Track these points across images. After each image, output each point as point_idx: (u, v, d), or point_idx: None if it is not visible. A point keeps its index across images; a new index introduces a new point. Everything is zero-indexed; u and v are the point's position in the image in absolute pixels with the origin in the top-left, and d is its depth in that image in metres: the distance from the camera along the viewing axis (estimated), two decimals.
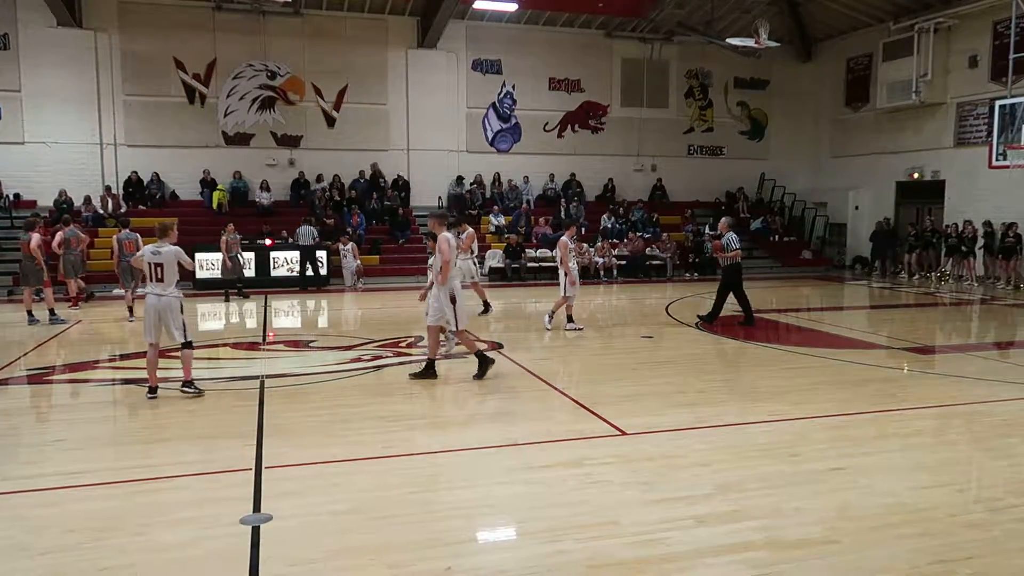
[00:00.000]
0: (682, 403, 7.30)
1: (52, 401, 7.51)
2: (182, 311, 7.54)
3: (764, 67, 25.00)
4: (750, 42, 19.98)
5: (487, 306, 13.35)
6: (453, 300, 8.07)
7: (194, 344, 7.76)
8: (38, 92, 19.54)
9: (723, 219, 12.59)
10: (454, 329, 8.33)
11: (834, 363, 9.26)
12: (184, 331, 7.50)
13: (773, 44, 20.37)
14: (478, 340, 9.34)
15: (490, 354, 8.65)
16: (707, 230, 22.61)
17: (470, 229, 13.20)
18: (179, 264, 7.51)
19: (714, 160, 25.43)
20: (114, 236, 13.85)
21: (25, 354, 9.90)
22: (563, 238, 11.58)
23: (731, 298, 12.01)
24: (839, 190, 24.58)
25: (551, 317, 11.83)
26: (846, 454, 5.71)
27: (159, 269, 7.40)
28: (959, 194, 20.51)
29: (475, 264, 13.27)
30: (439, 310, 8.12)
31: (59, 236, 14.25)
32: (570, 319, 11.66)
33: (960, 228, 19.37)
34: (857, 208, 24.04)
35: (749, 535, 4.26)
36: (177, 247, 7.57)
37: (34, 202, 19.34)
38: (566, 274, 11.34)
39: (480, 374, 8.27)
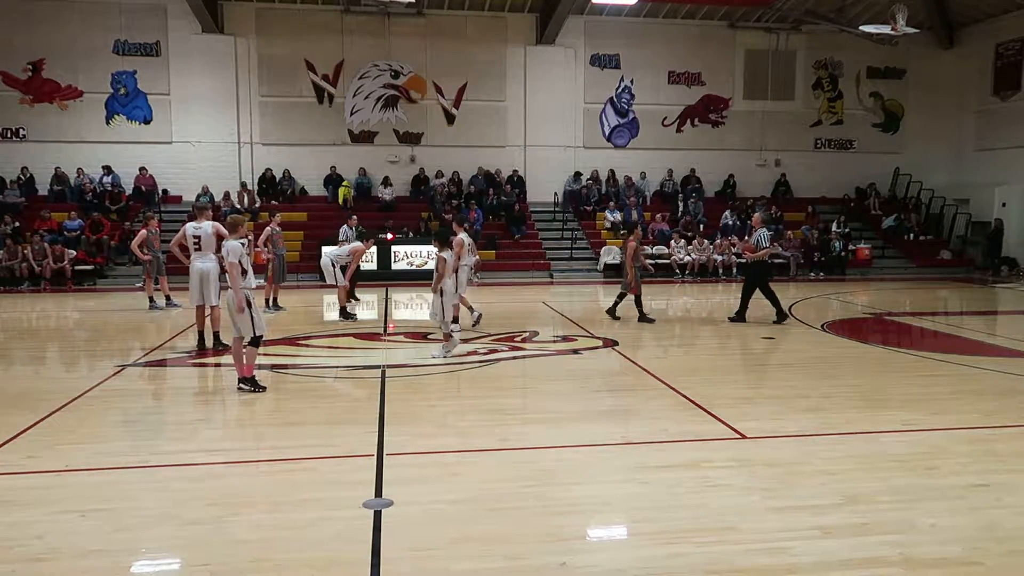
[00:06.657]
0: (805, 408, 7.00)
1: (192, 383, 8.05)
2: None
3: (900, 55, 23.55)
4: (886, 29, 18.90)
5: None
6: None
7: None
8: (184, 95, 21.06)
9: (756, 214, 12.67)
10: None
11: (976, 371, 8.62)
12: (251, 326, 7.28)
13: (911, 30, 19.16)
14: None
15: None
16: (835, 227, 21.60)
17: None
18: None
19: (843, 154, 24.23)
20: (268, 228, 13.36)
21: (172, 338, 10.69)
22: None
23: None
24: (984, 186, 22.81)
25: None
26: (990, 470, 5.30)
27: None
28: None
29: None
30: None
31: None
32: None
33: None
34: (1004, 205, 22.25)
35: (881, 550, 4.04)
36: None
37: (179, 197, 20.84)
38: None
39: None
